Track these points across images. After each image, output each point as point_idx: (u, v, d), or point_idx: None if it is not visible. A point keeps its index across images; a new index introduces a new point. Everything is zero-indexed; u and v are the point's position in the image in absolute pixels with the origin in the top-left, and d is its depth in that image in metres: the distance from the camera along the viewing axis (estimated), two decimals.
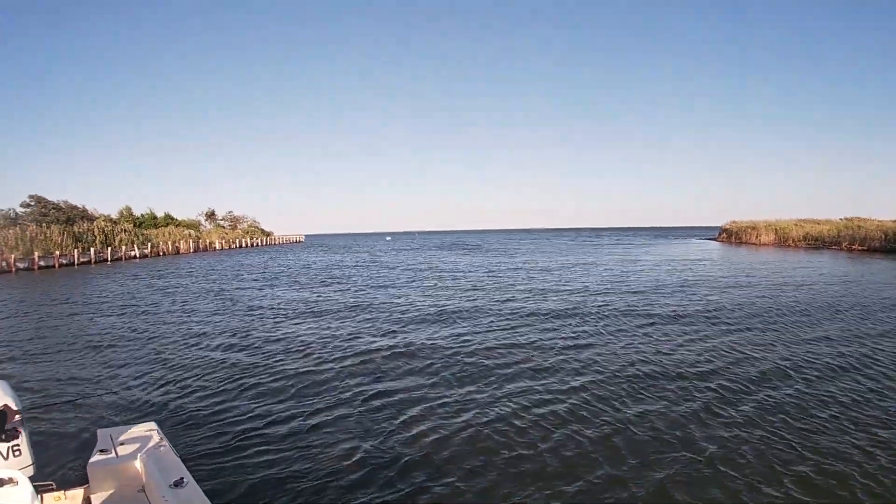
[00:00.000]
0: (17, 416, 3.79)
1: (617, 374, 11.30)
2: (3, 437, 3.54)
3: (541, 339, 14.55)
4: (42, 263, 47.21)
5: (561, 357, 12.69)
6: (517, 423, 8.61)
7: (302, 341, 15.00)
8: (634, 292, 24.04)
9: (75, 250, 52.23)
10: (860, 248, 53.40)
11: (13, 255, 45.44)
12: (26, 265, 46.15)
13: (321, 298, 24.42)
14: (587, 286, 27.11)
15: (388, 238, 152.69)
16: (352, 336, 15.56)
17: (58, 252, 50.11)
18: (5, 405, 3.88)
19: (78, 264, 50.73)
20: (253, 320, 18.87)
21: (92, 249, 55.08)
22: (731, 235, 77.92)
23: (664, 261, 44.98)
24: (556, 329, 16.00)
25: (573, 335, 15.07)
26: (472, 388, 10.39)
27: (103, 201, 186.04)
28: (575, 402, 9.55)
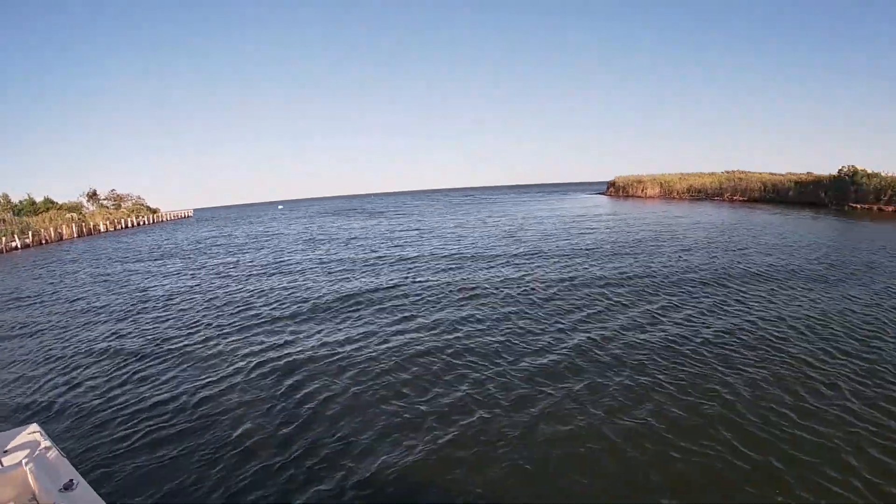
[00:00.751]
0: None
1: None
2: None
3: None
4: None
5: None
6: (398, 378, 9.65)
7: (188, 322, 15.08)
8: (524, 243, 27.45)
9: None
10: (741, 198, 59.31)
11: None
12: None
13: (207, 276, 24.55)
14: (478, 242, 29.85)
15: (280, 207, 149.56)
16: (243, 311, 15.92)
17: None
18: None
19: None
20: (138, 304, 18.74)
21: None
22: (618, 189, 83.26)
23: (556, 215, 49.08)
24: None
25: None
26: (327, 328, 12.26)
27: None
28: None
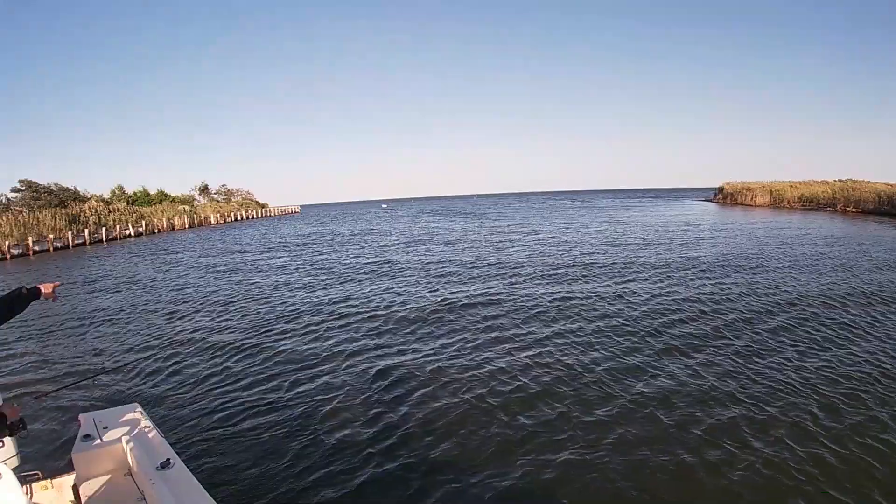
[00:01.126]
0: (16, 410, 3.64)
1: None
2: (8, 433, 3.48)
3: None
4: (37, 248, 47.60)
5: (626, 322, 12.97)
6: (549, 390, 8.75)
7: (289, 315, 14.87)
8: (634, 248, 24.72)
9: (69, 233, 52.67)
10: (854, 210, 54.16)
11: (7, 242, 45.91)
12: (21, 251, 46.56)
13: (316, 269, 24.44)
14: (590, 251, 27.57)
15: (384, 206, 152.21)
16: (351, 308, 15.34)
17: (51, 236, 50.54)
18: (2, 402, 3.87)
19: (73, 246, 51.17)
20: (248, 293, 18.85)
21: (86, 231, 55.42)
22: (726, 197, 79.25)
23: (667, 221, 45.45)
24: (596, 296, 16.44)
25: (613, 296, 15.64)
26: (475, 354, 10.62)
27: (95, 181, 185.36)
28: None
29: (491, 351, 10.87)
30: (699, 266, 19.73)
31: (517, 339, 11.61)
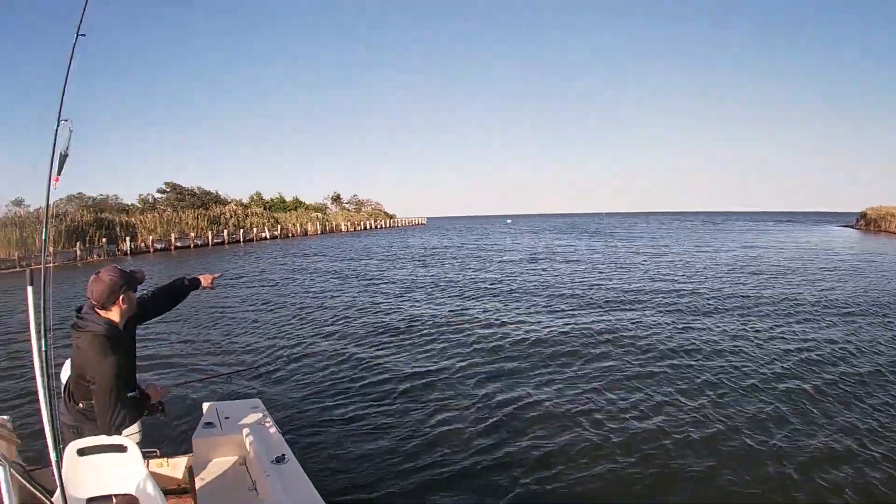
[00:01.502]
0: (159, 392, 3.87)
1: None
2: (149, 413, 3.71)
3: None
4: (178, 244, 50.35)
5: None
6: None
7: (427, 323, 14.42)
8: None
9: (209, 232, 55.35)
10: None
11: (151, 237, 48.97)
12: (163, 246, 49.46)
13: (441, 281, 23.36)
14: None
15: (509, 221, 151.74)
16: (483, 321, 14.48)
17: (192, 234, 53.32)
18: (149, 384, 3.91)
19: (212, 245, 53.64)
20: (373, 300, 18.53)
21: (225, 231, 58.06)
22: (869, 223, 70.47)
23: (799, 248, 39.85)
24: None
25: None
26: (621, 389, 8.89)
27: (235, 188, 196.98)
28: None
29: (610, 387, 9.17)
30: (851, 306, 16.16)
31: (639, 378, 9.55)
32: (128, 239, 46.81)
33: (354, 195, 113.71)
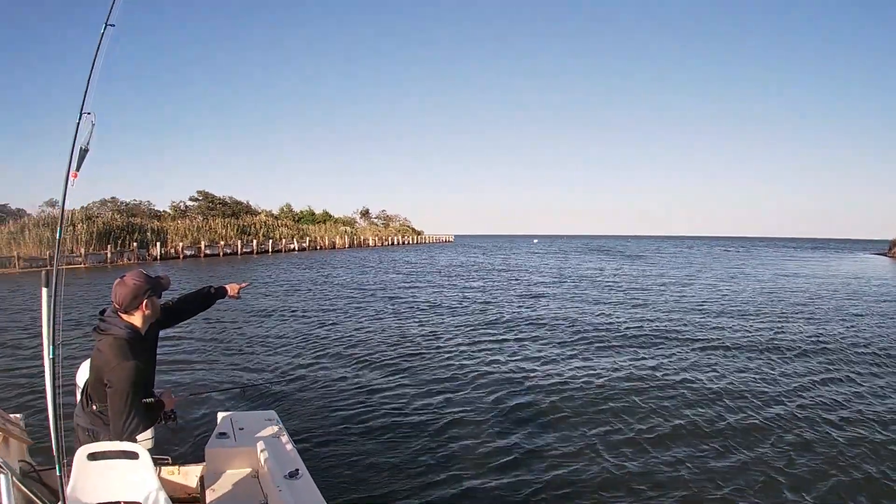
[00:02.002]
0: (173, 400, 3.87)
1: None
2: (162, 421, 3.73)
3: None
4: (208, 252, 51.11)
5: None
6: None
7: (450, 341, 14.21)
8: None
9: (238, 241, 56.11)
10: None
11: (181, 243, 49.80)
12: (193, 252, 50.20)
13: (464, 297, 23.38)
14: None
15: (535, 241, 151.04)
16: (506, 345, 13.95)
17: (222, 242, 54.16)
18: (163, 391, 3.90)
19: (241, 254, 54.29)
20: (401, 315, 18.35)
21: (254, 241, 58.89)
22: None
23: (825, 277, 38.66)
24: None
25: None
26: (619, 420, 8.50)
27: (265, 199, 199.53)
28: None
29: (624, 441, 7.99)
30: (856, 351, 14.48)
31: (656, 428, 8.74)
32: (158, 244, 47.54)
33: (383, 210, 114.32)
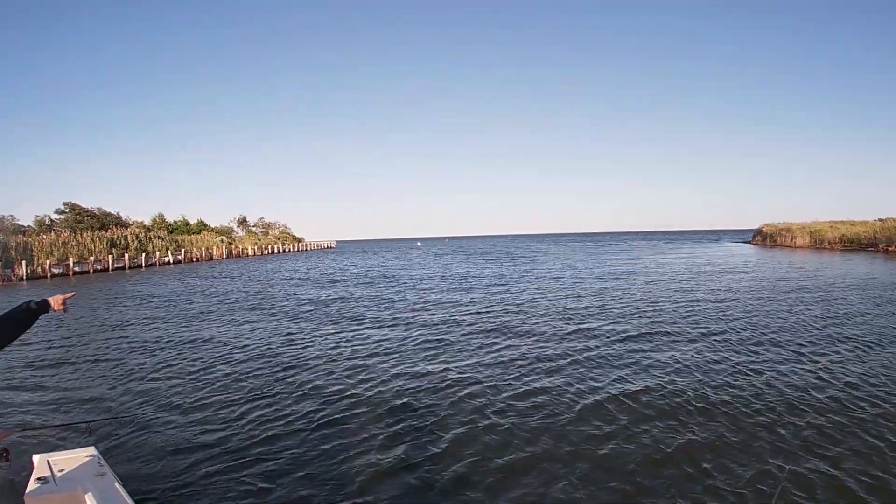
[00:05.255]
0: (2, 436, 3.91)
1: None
2: None
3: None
4: (77, 269, 50.27)
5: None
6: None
7: (306, 353, 14.04)
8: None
9: (109, 256, 55.72)
10: None
11: (48, 261, 48.52)
12: (61, 270, 49.09)
13: (333, 305, 23.87)
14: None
15: (419, 244, 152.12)
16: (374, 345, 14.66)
17: (92, 258, 53.51)
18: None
19: (112, 270, 53.89)
20: (264, 322, 18.77)
21: (126, 255, 58.57)
22: (765, 238, 79.21)
23: (697, 263, 44.95)
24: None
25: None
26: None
27: (135, 209, 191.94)
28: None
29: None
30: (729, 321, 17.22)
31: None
32: (24, 262, 45.85)
33: (261, 218, 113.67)
